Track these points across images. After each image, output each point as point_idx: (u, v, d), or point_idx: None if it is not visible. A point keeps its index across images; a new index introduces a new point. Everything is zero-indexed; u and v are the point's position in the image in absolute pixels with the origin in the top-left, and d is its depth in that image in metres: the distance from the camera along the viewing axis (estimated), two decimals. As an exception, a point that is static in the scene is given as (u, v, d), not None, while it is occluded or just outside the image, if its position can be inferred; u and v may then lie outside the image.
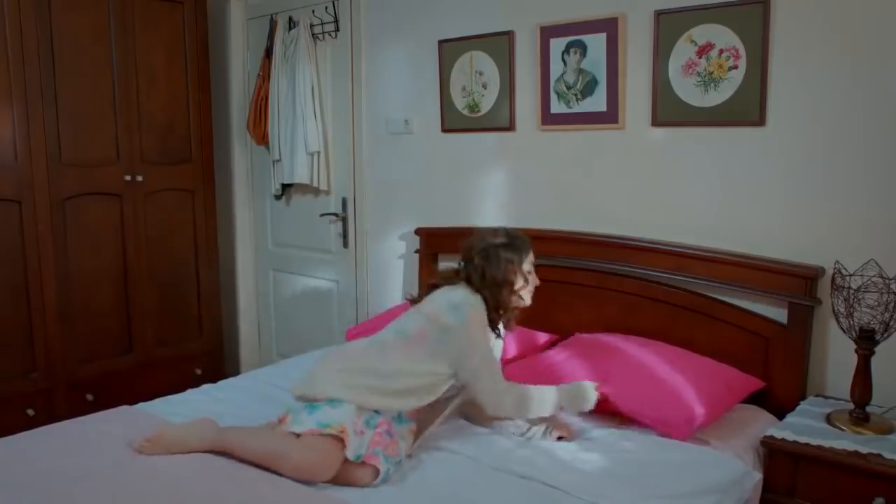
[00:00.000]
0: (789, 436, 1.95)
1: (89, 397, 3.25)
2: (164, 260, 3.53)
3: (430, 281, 2.33)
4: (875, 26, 2.10)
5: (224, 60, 3.92)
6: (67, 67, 3.10)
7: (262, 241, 4.07)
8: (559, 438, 2.06)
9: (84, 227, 3.23)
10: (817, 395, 2.26)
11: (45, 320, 3.11)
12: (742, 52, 2.31)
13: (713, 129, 2.43)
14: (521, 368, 2.36)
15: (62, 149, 3.12)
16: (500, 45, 2.91)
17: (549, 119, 2.81)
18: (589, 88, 2.67)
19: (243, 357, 4.13)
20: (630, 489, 1.77)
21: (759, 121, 2.31)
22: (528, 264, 2.15)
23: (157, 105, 3.43)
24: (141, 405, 2.36)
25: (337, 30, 3.48)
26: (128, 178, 3.34)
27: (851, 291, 1.95)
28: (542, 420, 2.09)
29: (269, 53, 3.65)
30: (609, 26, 2.58)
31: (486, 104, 2.99)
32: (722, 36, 2.35)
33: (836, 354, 2.24)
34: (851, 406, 2.03)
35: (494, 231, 2.19)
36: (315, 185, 3.57)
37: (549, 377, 2.23)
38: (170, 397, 2.45)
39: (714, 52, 2.37)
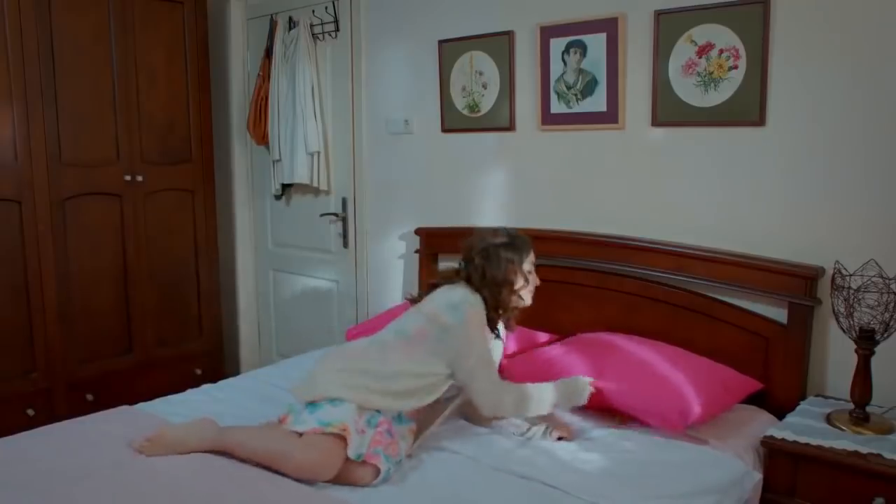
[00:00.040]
0: (789, 436, 1.95)
1: (89, 397, 3.25)
2: (164, 260, 3.53)
3: (430, 281, 2.34)
4: (875, 26, 2.10)
5: (224, 60, 3.92)
6: (67, 67, 3.10)
7: (262, 241, 4.07)
8: (559, 438, 2.06)
9: (84, 227, 3.23)
10: (817, 395, 2.26)
11: (45, 320, 3.11)
12: (742, 52, 2.31)
13: (713, 129, 2.42)
14: (519, 363, 2.37)
15: (62, 149, 3.12)
16: (500, 45, 2.91)
17: (549, 119, 2.81)
18: (589, 88, 2.67)
19: (243, 357, 4.13)
20: (630, 489, 1.77)
21: (759, 121, 2.31)
22: (528, 264, 2.15)
23: (157, 105, 3.43)
24: (141, 405, 2.36)
25: (337, 30, 3.48)
26: (128, 178, 3.34)
27: (851, 291, 1.95)
28: (541, 420, 2.09)
29: (269, 53, 3.65)
30: (609, 26, 2.58)
31: (486, 104, 2.99)
32: (722, 36, 2.35)
33: (836, 354, 2.24)
34: (851, 406, 2.03)
35: (495, 231, 2.19)
36: (315, 185, 3.57)
37: (547, 371, 2.23)
38: (170, 397, 2.45)
39: (714, 52, 2.37)
